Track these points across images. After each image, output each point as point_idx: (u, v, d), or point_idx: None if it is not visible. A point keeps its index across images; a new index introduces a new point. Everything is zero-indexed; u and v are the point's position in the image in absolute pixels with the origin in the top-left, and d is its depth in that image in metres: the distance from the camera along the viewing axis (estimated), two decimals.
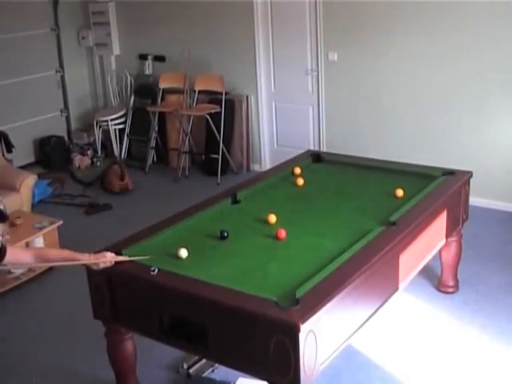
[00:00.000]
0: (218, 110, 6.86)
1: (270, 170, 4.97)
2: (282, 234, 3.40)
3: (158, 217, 3.76)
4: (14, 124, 7.31)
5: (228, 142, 7.05)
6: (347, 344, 3.05)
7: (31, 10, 7.50)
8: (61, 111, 8.07)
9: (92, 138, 7.96)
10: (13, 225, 4.83)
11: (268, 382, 2.75)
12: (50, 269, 4.86)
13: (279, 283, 2.93)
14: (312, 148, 6.55)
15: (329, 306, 2.72)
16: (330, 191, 4.15)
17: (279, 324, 2.59)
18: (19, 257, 3.01)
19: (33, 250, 3.76)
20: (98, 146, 7.86)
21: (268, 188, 4.21)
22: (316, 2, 6.31)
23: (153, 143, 7.52)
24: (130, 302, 3.18)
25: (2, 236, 2.77)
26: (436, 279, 4.51)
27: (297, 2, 6.48)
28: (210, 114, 6.85)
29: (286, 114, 6.93)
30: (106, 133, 7.81)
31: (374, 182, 4.25)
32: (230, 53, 7.04)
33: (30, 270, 4.81)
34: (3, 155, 6.72)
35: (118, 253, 3.16)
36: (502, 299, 4.32)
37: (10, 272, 4.76)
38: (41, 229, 4.98)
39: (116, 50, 7.96)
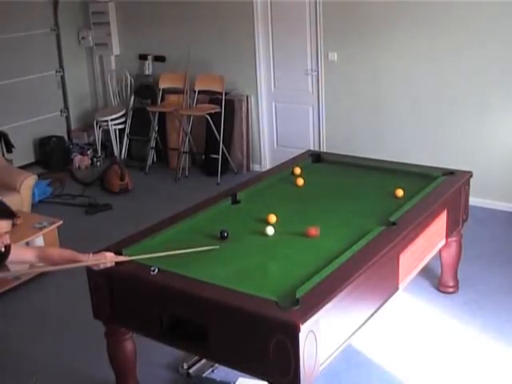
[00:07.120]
0: (218, 110, 6.86)
1: (270, 169, 4.97)
2: (315, 231, 3.39)
3: (158, 217, 3.76)
4: (14, 124, 7.32)
5: (228, 142, 7.06)
6: (347, 344, 3.05)
7: (31, 9, 7.51)
8: (61, 111, 8.07)
9: (92, 138, 7.96)
10: (13, 225, 4.81)
11: (268, 382, 2.75)
12: None
13: (279, 283, 2.93)
14: (312, 148, 6.55)
15: (329, 306, 2.71)
16: (330, 191, 4.15)
17: (279, 324, 2.59)
18: (22, 255, 3.02)
19: (35, 249, 3.75)
20: (98, 146, 7.86)
21: (268, 188, 4.21)
22: (316, 2, 6.31)
23: (153, 143, 7.52)
24: (130, 302, 3.18)
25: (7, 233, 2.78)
26: (436, 279, 4.51)
27: (297, 2, 6.48)
28: (210, 114, 6.85)
29: (286, 114, 6.93)
30: (106, 133, 7.81)
31: (373, 182, 4.25)
32: (230, 53, 7.04)
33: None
34: (3, 155, 6.74)
35: (119, 253, 3.16)
36: (502, 299, 4.32)
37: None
38: (41, 229, 4.98)
39: (116, 50, 7.96)
